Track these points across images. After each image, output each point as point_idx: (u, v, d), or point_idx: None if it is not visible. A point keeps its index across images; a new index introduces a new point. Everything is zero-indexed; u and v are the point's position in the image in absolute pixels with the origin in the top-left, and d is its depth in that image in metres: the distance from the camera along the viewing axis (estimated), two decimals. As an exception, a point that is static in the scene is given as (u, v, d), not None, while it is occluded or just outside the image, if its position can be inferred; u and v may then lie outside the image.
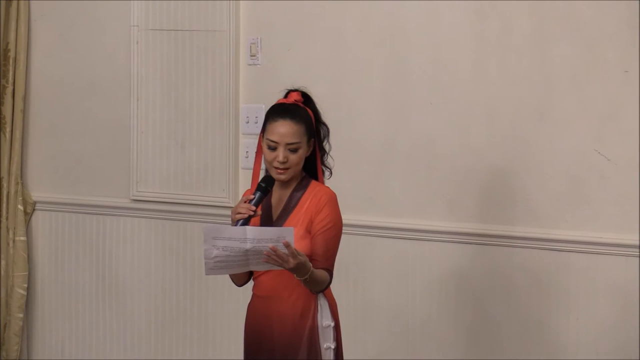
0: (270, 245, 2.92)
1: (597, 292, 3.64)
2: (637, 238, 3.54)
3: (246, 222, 3.03)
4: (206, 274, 2.99)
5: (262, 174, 3.20)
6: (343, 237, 3.17)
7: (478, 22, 3.82)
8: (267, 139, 3.09)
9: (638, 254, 3.54)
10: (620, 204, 3.59)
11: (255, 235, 2.92)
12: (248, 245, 2.92)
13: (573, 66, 3.64)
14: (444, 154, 3.90)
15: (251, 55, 4.27)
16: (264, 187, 3.09)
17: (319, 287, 3.09)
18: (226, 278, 3.22)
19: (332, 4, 4.11)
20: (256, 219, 3.09)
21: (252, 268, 3.04)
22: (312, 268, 3.01)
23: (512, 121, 3.76)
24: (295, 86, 3.20)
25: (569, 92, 3.65)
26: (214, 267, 2.97)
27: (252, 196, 3.07)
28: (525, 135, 3.74)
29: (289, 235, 2.92)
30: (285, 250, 2.92)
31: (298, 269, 2.97)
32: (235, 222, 3.04)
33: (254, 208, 3.04)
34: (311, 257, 3.06)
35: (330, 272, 3.11)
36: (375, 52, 4.03)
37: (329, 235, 3.09)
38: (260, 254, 2.94)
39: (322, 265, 3.08)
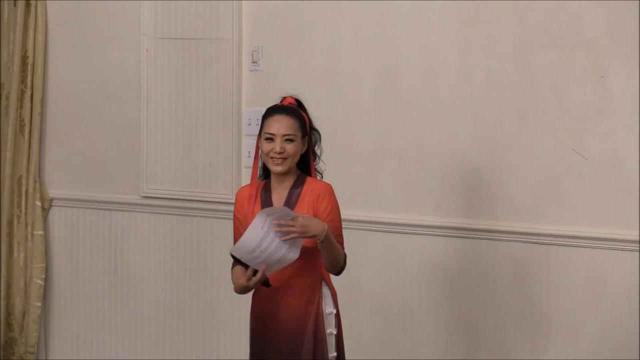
0: (275, 222, 2.93)
1: (574, 282, 3.69)
2: (612, 231, 3.61)
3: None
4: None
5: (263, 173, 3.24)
6: (339, 230, 3.19)
7: (465, 32, 3.87)
8: (265, 132, 3.12)
9: (613, 246, 3.61)
10: (596, 200, 3.64)
11: (266, 215, 2.95)
12: (266, 229, 2.95)
13: (553, 72, 3.70)
14: (433, 154, 3.95)
15: (253, 62, 4.31)
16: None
17: (337, 254, 3.08)
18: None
19: (329, 14, 4.14)
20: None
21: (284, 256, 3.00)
22: (326, 226, 2.99)
23: (496, 123, 3.81)
24: (291, 92, 3.25)
25: (549, 96, 3.71)
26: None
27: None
28: (509, 137, 3.79)
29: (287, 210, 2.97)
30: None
31: (312, 225, 2.98)
32: (244, 287, 3.06)
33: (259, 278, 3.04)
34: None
35: (343, 248, 3.14)
36: (368, 59, 4.07)
37: (334, 218, 3.13)
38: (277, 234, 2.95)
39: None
